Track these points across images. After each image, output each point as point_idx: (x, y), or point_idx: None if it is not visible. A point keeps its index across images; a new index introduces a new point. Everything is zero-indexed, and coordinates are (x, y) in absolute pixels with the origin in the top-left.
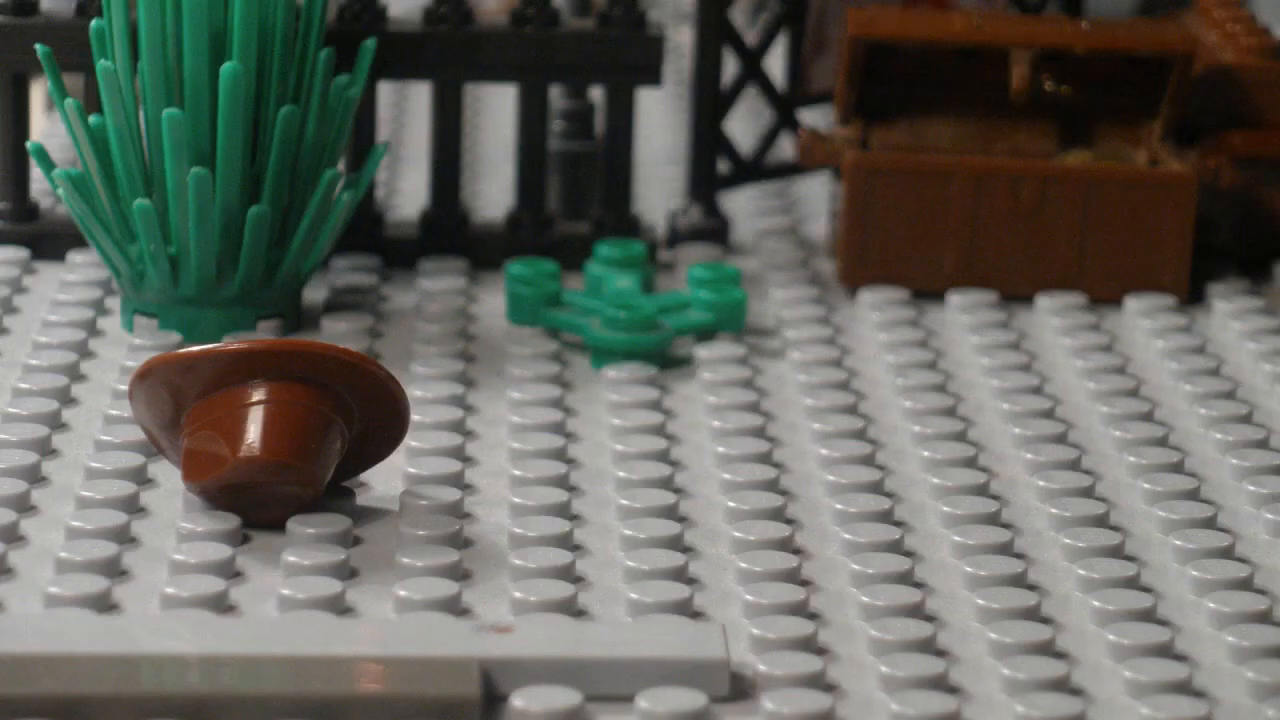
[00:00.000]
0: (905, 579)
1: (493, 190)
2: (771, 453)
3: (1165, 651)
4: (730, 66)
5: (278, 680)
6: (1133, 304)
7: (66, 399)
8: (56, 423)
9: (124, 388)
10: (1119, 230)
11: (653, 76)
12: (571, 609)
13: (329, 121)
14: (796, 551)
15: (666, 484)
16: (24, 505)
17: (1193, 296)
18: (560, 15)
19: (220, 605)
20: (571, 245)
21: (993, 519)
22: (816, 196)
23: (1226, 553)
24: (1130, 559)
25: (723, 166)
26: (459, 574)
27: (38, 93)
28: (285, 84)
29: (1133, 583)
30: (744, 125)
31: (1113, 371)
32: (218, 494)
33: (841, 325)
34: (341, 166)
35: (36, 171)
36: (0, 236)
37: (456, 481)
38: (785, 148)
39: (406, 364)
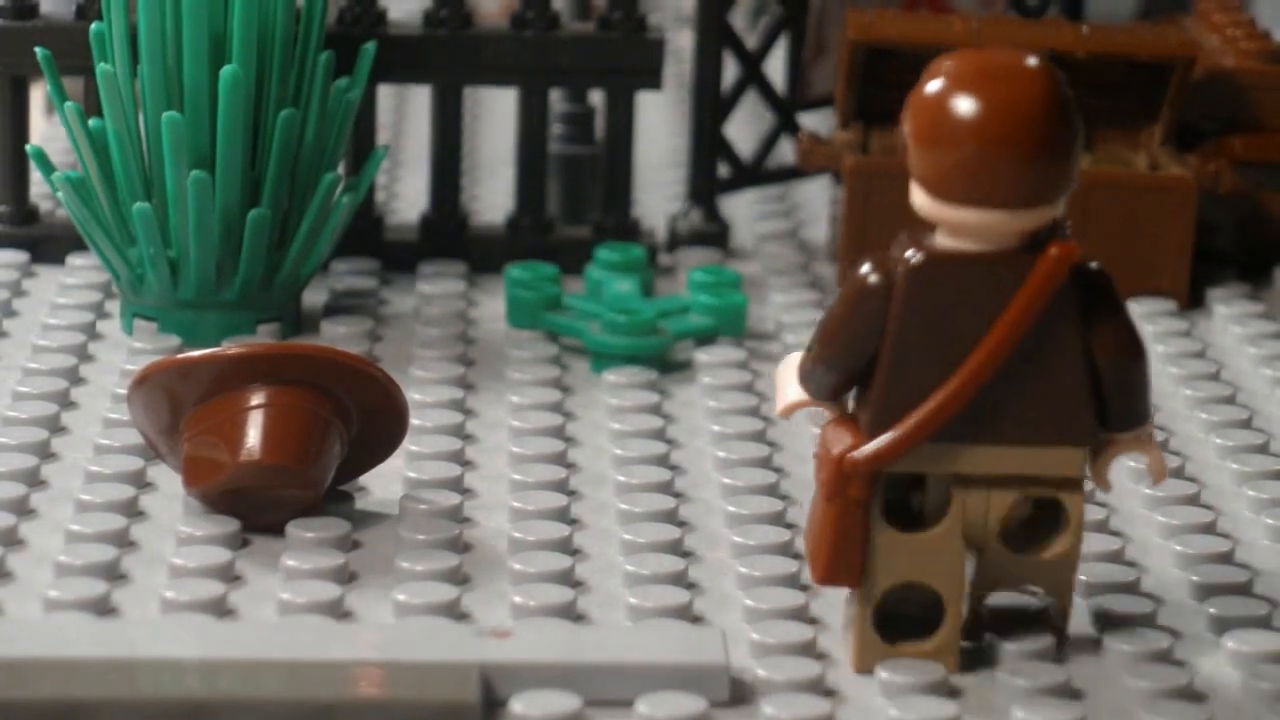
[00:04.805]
0: None
1: (493, 194)
2: (771, 457)
3: (1165, 658)
4: (730, 70)
5: (277, 685)
6: (1132, 308)
7: (66, 402)
8: (56, 426)
9: (124, 391)
10: (1119, 234)
11: (653, 80)
12: (571, 614)
13: (329, 125)
14: (796, 556)
15: (666, 488)
16: (23, 509)
17: (1193, 301)
18: (560, 18)
19: (219, 609)
20: (571, 249)
21: None
22: (817, 200)
23: (1226, 558)
24: (1130, 564)
25: (723, 170)
26: (458, 578)
27: (37, 96)
28: (285, 87)
29: (1133, 588)
30: (744, 129)
31: None
32: (218, 499)
33: None
34: (341, 170)
35: (36, 175)
36: (0, 240)
37: (456, 485)
38: (785, 151)
39: (406, 367)
